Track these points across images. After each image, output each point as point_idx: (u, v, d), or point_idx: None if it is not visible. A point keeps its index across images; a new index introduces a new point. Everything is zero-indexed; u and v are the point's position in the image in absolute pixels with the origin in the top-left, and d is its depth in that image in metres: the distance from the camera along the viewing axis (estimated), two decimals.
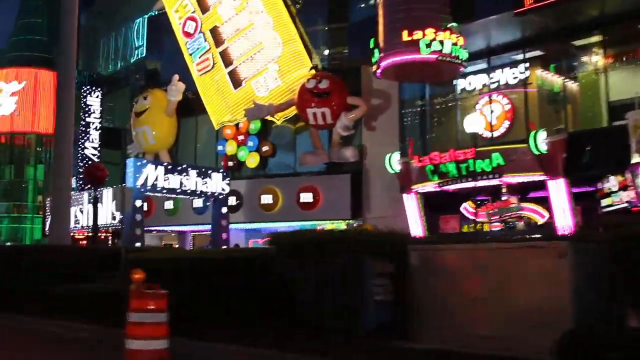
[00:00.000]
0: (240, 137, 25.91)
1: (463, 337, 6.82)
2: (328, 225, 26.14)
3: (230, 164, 25.82)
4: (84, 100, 34.78)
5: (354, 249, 6.97)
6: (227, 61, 25.68)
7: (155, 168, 17.66)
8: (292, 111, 24.58)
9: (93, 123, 34.82)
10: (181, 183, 18.23)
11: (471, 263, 6.93)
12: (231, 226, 27.76)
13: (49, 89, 45.90)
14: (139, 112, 27.08)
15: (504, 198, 20.07)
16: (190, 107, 27.61)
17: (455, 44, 17.80)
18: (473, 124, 17.10)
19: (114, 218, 29.40)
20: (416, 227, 21.06)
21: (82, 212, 31.66)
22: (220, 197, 19.76)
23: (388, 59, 18.04)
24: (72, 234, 35.12)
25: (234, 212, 25.51)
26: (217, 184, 19.42)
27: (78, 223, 31.97)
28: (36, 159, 47.26)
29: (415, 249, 7.10)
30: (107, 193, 30.03)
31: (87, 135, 34.49)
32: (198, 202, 25.83)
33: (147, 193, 17.59)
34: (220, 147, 26.37)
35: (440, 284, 7.00)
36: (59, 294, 12.06)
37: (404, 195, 21.13)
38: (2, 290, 13.72)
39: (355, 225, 24.58)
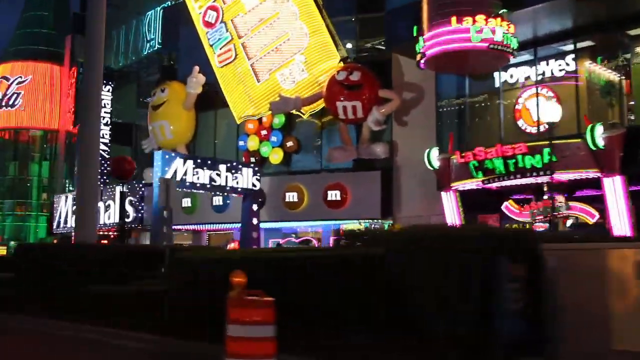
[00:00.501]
0: (263, 132, 24.75)
1: (616, 356, 5.70)
2: (349, 225, 25.03)
3: (252, 160, 24.64)
4: None
5: (480, 248, 5.84)
6: (250, 52, 24.52)
7: (184, 162, 16.52)
8: (319, 105, 23.45)
9: (103, 118, 33.51)
10: (211, 178, 17.09)
11: (622, 266, 5.81)
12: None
13: (55, 84, 44.73)
14: (156, 105, 25.90)
15: (547, 197, 19.04)
16: (209, 100, 26.44)
17: (506, 32, 16.69)
18: (549, 112, 15.86)
19: (127, 216, 28.21)
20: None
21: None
22: (251, 193, 18.60)
23: (435, 48, 16.91)
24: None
25: (221, 212, 24.45)
26: (247, 179, 18.29)
27: None
28: (41, 155, 45.98)
29: (552, 249, 5.98)
30: (120, 189, 28.85)
31: None
32: (218, 200, 24.70)
33: (176, 189, 16.46)
34: (241, 143, 25.21)
35: (586, 290, 5.88)
36: (99, 295, 10.92)
37: (442, 194, 20.04)
38: (38, 293, 12.59)
39: (377, 225, 23.49)
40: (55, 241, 42.96)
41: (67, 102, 43.65)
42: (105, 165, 33.44)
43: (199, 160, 16.86)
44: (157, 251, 12.01)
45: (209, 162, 17.29)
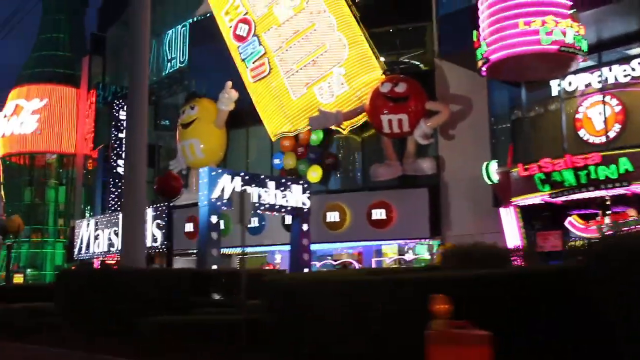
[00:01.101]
0: (300, 150, 23.53)
1: None
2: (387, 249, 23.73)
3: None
4: (116, 115, 32.56)
5: None
6: (285, 66, 23.43)
7: (232, 179, 15.30)
8: (361, 119, 22.29)
9: (126, 139, 32.43)
10: (259, 196, 15.86)
11: None
12: (278, 247, 25.44)
13: (71, 107, 43.76)
14: (186, 123, 24.77)
15: (614, 211, 17.78)
16: (240, 117, 25.31)
17: (577, 34, 15.53)
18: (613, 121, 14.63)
19: (154, 240, 27.00)
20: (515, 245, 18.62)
21: (117, 234, 29.24)
22: (301, 212, 17.34)
23: (500, 52, 15.73)
24: (101, 258, 32.80)
25: (257, 234, 23.18)
26: (297, 197, 17.05)
27: (112, 247, 29.58)
28: (57, 180, 44.83)
29: None
30: (147, 212, 27.63)
31: (120, 152, 32.15)
32: (253, 221, 23.43)
33: (223, 208, 15.19)
34: (277, 161, 23.99)
35: None
36: (163, 326, 9.61)
37: (501, 210, 18.73)
38: (84, 324, 11.30)
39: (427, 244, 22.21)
40: (73, 268, 41.70)
41: (84, 126, 42.66)
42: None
43: (247, 177, 15.62)
44: (221, 275, 10.74)
45: (258, 178, 16.05)
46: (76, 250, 33.08)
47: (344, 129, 22.70)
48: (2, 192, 45.71)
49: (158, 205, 27.46)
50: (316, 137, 23.34)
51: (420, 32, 23.41)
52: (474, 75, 20.44)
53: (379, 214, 21.78)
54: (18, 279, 42.09)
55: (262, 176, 16.26)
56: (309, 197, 17.60)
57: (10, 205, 45.02)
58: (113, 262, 32.34)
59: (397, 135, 21.31)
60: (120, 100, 33.08)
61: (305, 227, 17.59)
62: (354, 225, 22.21)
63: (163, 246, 26.60)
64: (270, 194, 16.02)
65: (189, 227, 25.46)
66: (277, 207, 16.36)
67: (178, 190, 14.53)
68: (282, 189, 16.45)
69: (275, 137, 23.93)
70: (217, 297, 12.76)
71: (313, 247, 23.21)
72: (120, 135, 32.30)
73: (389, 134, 21.38)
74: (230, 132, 25.72)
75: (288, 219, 23.05)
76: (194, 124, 24.65)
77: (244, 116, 25.34)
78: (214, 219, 14.70)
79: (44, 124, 43.03)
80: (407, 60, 23.28)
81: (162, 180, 14.20)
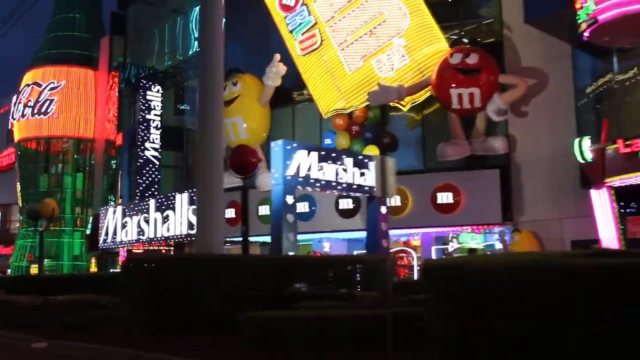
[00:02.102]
0: (355, 128, 21.65)
1: None
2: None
3: None
4: (142, 95, 30.64)
5: None
6: (339, 37, 21.52)
7: (308, 154, 13.45)
8: (423, 94, 20.44)
9: (153, 121, 30.65)
10: (337, 174, 14.02)
11: None
12: (331, 235, 23.62)
13: (89, 90, 41.76)
14: (228, 100, 22.82)
15: None
16: (286, 94, 23.42)
17: None
18: None
19: (191, 227, 25.15)
20: (607, 232, 16.79)
21: (147, 222, 27.46)
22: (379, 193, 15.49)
23: (613, 10, 13.83)
24: (127, 247, 31.01)
25: (349, 217, 21.32)
26: (375, 176, 15.19)
27: (142, 235, 27.76)
28: (74, 166, 42.85)
29: None
30: (181, 198, 25.85)
31: (148, 135, 30.30)
32: (303, 206, 21.64)
33: (298, 187, 13.33)
34: (327, 141, 22.12)
35: None
36: (269, 323, 7.79)
37: (592, 192, 16.87)
38: (167, 318, 9.49)
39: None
40: (93, 258, 39.85)
41: (104, 109, 40.73)
42: (156, 173, 30.50)
43: (323, 152, 13.75)
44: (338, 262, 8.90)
45: (334, 154, 14.18)
46: (101, 240, 31.27)
47: (404, 106, 20.84)
48: (18, 179, 43.84)
49: (193, 190, 25.62)
50: (372, 114, 21.48)
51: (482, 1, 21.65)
52: (554, 44, 18.64)
53: (445, 197, 19.94)
54: (35, 269, 40.29)
55: (339, 152, 14.39)
56: (432, 169, 15.73)
57: (25, 192, 43.13)
58: (140, 251, 30.57)
59: (467, 111, 19.45)
60: (148, 81, 31.16)
61: (383, 209, 15.73)
62: (417, 209, 20.38)
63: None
64: (348, 172, 14.18)
65: (229, 213, 23.66)
66: (354, 186, 14.51)
67: (256, 165, 12.69)
68: (359, 167, 14.59)
69: (327, 114, 22.04)
70: (303, 287, 10.95)
71: (359, 234, 21.38)
72: (148, 116, 30.42)
73: (457, 110, 19.51)
74: (274, 110, 23.82)
75: (343, 203, 21.29)
76: (237, 101, 22.74)
77: (290, 93, 23.47)
78: (289, 199, 12.86)
79: (61, 107, 41.01)
80: (472, 29, 21.35)
81: (237, 154, 12.31)
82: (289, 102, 23.54)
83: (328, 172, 13.75)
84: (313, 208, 21.68)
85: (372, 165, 15.00)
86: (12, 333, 13.69)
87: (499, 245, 20.44)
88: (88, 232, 39.09)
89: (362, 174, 14.66)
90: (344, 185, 14.21)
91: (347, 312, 7.99)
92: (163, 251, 30.67)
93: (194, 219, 24.98)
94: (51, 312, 15.09)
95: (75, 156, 42.73)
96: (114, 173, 37.57)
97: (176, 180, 31.36)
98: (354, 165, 14.38)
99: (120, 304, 13.92)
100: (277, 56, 22.18)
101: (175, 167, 31.99)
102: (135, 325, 10.65)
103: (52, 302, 15.71)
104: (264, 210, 22.73)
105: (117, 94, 36.70)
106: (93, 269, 39.45)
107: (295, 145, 13.49)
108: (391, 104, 20.92)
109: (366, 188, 15.06)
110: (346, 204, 21.06)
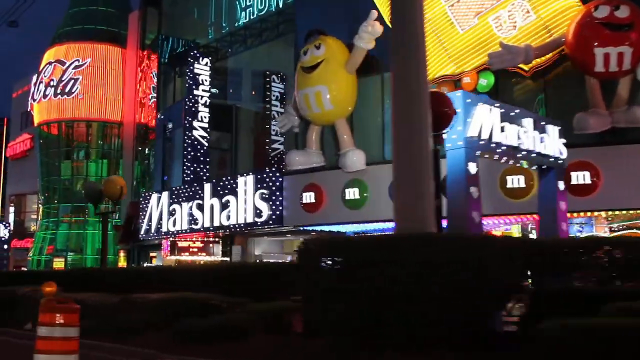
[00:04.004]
0: None
1: None
2: None
3: None
4: (190, 68, 27.47)
5: None
6: None
7: (490, 110, 10.39)
8: (551, 57, 17.40)
9: (202, 97, 27.45)
10: (518, 137, 10.97)
11: None
12: (380, 225, 20.51)
13: (116, 69, 38.57)
14: (310, 66, 19.70)
15: None
16: (372, 61, 20.28)
17: None
18: None
19: (258, 214, 22.06)
20: None
21: (200, 209, 24.33)
22: (557, 164, 12.43)
23: None
24: (170, 239, 27.82)
25: (519, 198, 18.10)
26: (554, 143, 12.13)
27: (195, 223, 24.63)
28: (98, 152, 39.63)
29: None
30: (245, 181, 22.72)
31: (196, 113, 27.12)
32: (353, 193, 18.74)
33: (478, 151, 10.18)
34: None
35: None
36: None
37: None
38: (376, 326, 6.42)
39: None
40: (122, 252, 36.64)
41: (133, 90, 37.53)
42: (206, 155, 27.33)
43: (502, 110, 10.69)
44: None
45: (512, 112, 11.11)
46: (142, 230, 28.10)
47: (526, 71, 17.77)
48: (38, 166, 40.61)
49: (263, 170, 22.55)
50: (486, 81, 18.36)
51: None
52: None
53: (581, 177, 16.86)
54: (59, 263, 37.13)
55: (517, 110, 11.33)
56: (564, 144, 12.67)
57: (46, 181, 39.91)
58: (186, 243, 27.43)
59: (612, 75, 16.36)
60: (195, 52, 27.98)
61: (561, 185, 12.65)
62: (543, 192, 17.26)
63: (271, 222, 21.65)
64: (528, 136, 11.13)
65: (308, 197, 20.61)
66: (534, 154, 11.46)
67: (451, 117, 9.63)
68: (539, 131, 11.52)
69: (431, 83, 18.90)
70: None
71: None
72: (196, 92, 27.22)
73: (601, 74, 16.41)
74: (358, 80, 20.67)
75: (510, 181, 18.09)
76: (321, 67, 19.54)
77: (378, 59, 20.33)
78: (472, 167, 9.77)
79: (86, 87, 37.83)
80: None
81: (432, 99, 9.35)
82: (377, 69, 20.40)
83: (510, 134, 10.71)
84: (365, 194, 18.74)
85: (549, 129, 11.93)
86: (109, 343, 10.56)
87: None
88: (118, 222, 35.96)
89: (542, 140, 11.61)
90: (524, 152, 11.17)
91: None
92: (211, 243, 27.59)
93: (262, 205, 21.93)
94: (141, 314, 12.01)
95: (100, 141, 39.50)
96: (148, 158, 34.33)
97: (248, 163, 28.11)
98: (535, 128, 11.34)
99: (240, 305, 10.87)
100: (374, 13, 18.97)
101: (225, 149, 28.87)
102: (321, 335, 7.55)
103: (136, 302, 12.62)
104: (352, 193, 19.65)
105: (151, 73, 33.52)
106: (122, 263, 36.27)
107: (474, 97, 10.46)
108: (510, 69, 17.85)
109: (549, 157, 11.98)
110: (516, 181, 17.71)
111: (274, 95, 28.66)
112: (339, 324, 7.43)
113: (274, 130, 27.68)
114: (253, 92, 30.23)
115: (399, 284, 6.98)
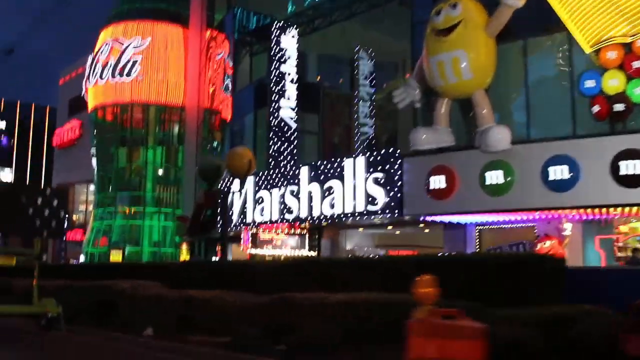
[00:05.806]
0: (637, 64, 15.69)
1: None
2: None
3: (617, 107, 15.72)
4: (276, 41, 24.83)
5: None
6: None
7: None
8: None
9: (289, 74, 24.80)
10: None
11: None
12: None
13: (178, 50, 36.05)
14: (445, 28, 16.96)
15: None
16: (513, 25, 17.48)
17: None
18: None
19: (371, 201, 19.36)
20: None
21: (296, 196, 21.70)
22: None
23: None
24: (251, 230, 25.20)
25: (634, 186, 15.38)
26: None
27: (290, 212, 22.00)
28: (155, 138, 37.09)
29: None
30: (353, 163, 20.04)
31: (283, 91, 24.48)
32: (559, 171, 15.81)
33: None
34: (589, 83, 16.18)
35: None
36: None
37: None
38: None
39: None
40: (184, 245, 34.10)
41: (196, 73, 35.01)
42: (295, 136, 24.68)
43: None
44: None
45: None
46: (237, 219, 25.36)
47: None
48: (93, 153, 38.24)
49: (377, 152, 19.86)
50: None
51: None
52: None
53: None
54: (116, 256, 34.74)
55: None
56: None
57: (102, 169, 37.52)
58: (269, 235, 24.78)
59: None
60: (281, 23, 25.35)
61: None
62: None
63: (388, 210, 18.93)
64: None
65: (437, 181, 17.83)
66: None
67: None
68: None
69: (593, 47, 16.08)
70: None
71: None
72: (283, 68, 24.59)
73: None
74: (497, 47, 17.87)
75: (625, 167, 15.40)
76: (458, 30, 16.78)
77: (518, 22, 17.53)
78: None
79: (145, 69, 35.34)
80: None
81: None
82: (517, 35, 17.58)
83: None
84: (572, 174, 15.79)
85: None
86: None
87: None
88: (179, 212, 33.52)
89: None
90: None
91: None
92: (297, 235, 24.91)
93: (376, 191, 19.23)
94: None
95: (157, 128, 37.01)
96: (214, 144, 31.80)
97: (315, 149, 25.56)
98: None
99: (478, 312, 8.10)
100: None
101: (314, 133, 26.26)
102: None
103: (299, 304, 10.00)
104: (494, 177, 16.85)
105: (217, 56, 30.94)
106: (185, 257, 33.71)
107: None
108: None
109: None
110: (632, 167, 15.12)
111: (361, 75, 26.12)
112: None
113: (362, 112, 25.16)
114: (340, 78, 27.70)
115: None
